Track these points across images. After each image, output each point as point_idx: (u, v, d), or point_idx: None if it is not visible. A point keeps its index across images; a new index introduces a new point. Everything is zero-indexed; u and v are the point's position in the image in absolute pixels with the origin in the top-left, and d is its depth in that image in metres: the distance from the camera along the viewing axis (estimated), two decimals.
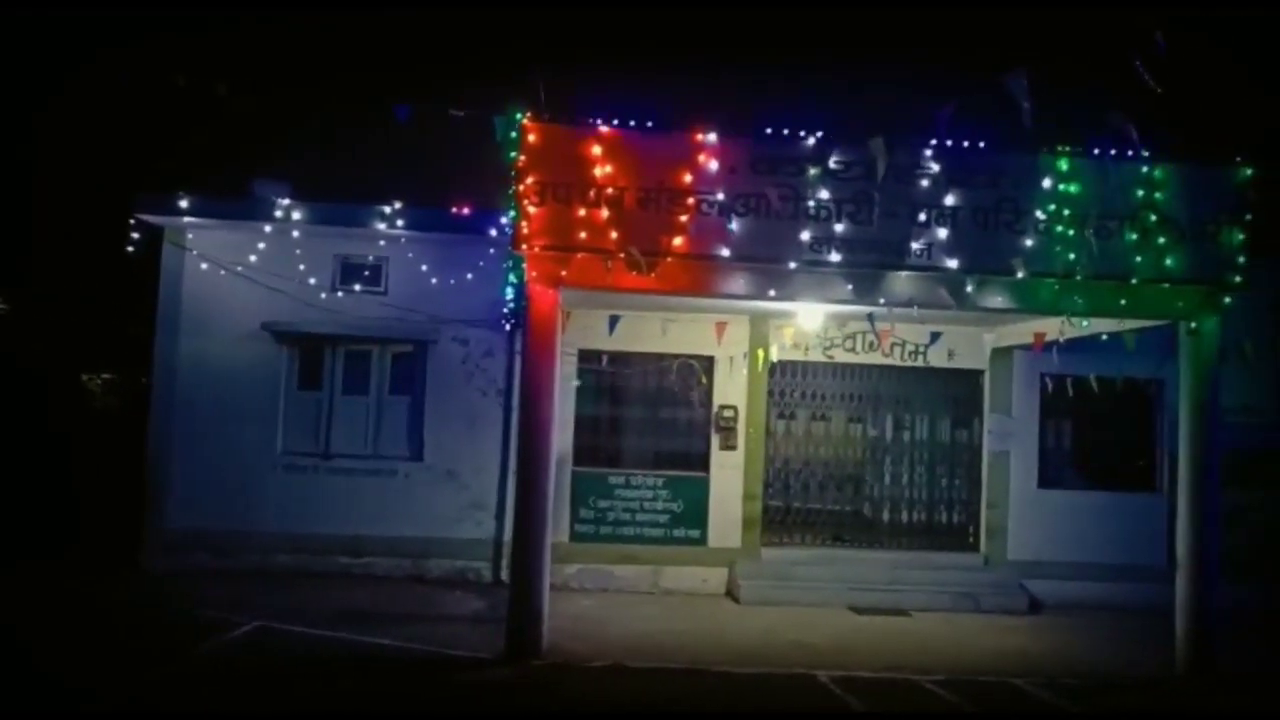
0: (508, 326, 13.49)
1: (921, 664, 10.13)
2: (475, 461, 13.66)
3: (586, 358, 13.82)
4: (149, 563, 13.11)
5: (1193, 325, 10.48)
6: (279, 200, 13.40)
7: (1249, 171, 10.29)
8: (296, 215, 13.35)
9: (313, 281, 13.59)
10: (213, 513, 13.23)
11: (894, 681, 9.51)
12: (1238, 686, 9.83)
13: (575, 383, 13.60)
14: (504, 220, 12.57)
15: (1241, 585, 12.79)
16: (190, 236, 13.57)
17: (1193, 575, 10.34)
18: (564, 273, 9.85)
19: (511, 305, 12.77)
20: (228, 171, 15.72)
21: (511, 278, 12.10)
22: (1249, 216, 10.24)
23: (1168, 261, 10.17)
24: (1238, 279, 10.26)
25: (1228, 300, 10.37)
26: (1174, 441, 11.09)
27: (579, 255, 9.81)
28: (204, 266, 13.47)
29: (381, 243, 13.64)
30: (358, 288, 13.76)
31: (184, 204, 13.17)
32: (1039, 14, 20.90)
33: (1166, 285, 10.24)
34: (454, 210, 13.41)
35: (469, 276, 13.57)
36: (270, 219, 13.33)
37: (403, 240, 13.57)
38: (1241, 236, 10.22)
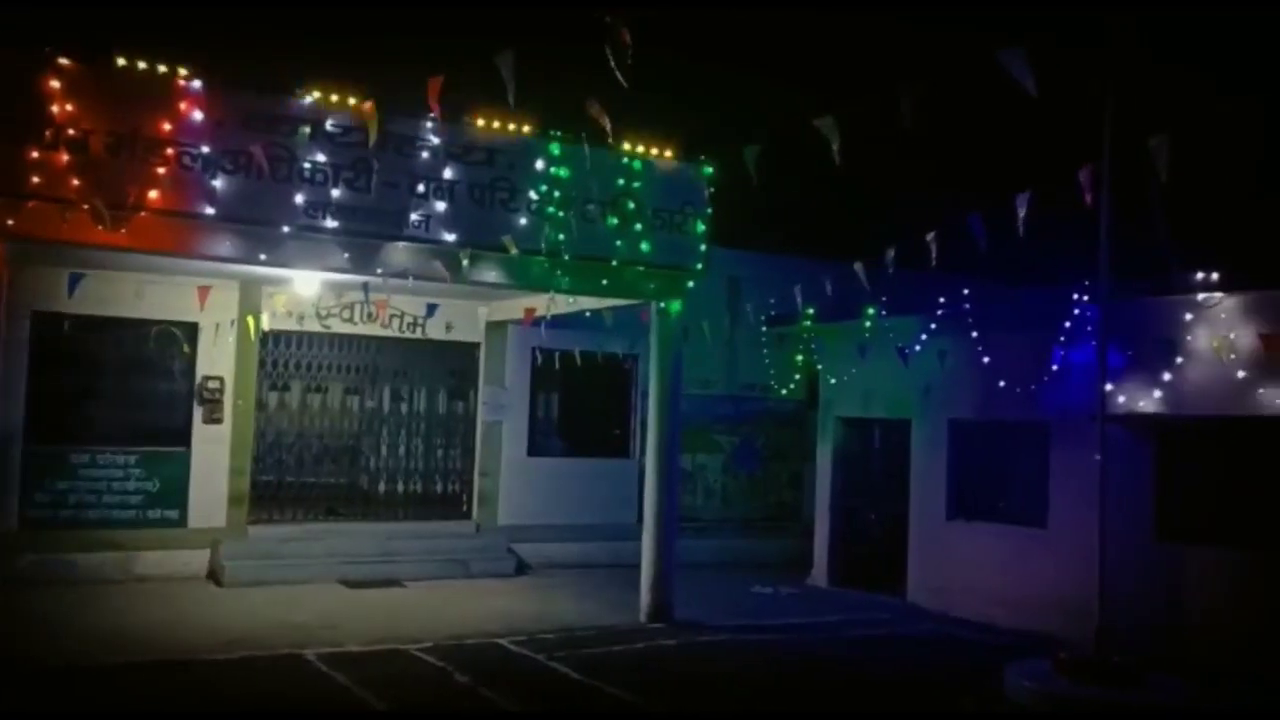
0: None
1: (410, 633, 10.22)
2: None
3: (43, 321, 12.17)
4: None
5: (662, 305, 11.54)
6: None
7: (709, 169, 11.52)
8: None
9: None
10: None
11: (382, 653, 9.49)
12: (687, 630, 11.01)
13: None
14: None
15: (694, 539, 14.50)
16: None
17: (656, 532, 11.45)
18: (11, 221, 8.64)
19: None
20: None
21: None
22: (710, 210, 11.50)
23: (643, 246, 11.12)
24: (699, 265, 11.48)
25: (691, 284, 11.58)
26: (646, 411, 12.18)
27: (31, 203, 8.64)
28: None
29: None
30: None
31: None
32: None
33: (641, 268, 11.21)
34: None
35: None
36: None
37: None
38: (703, 227, 11.45)
